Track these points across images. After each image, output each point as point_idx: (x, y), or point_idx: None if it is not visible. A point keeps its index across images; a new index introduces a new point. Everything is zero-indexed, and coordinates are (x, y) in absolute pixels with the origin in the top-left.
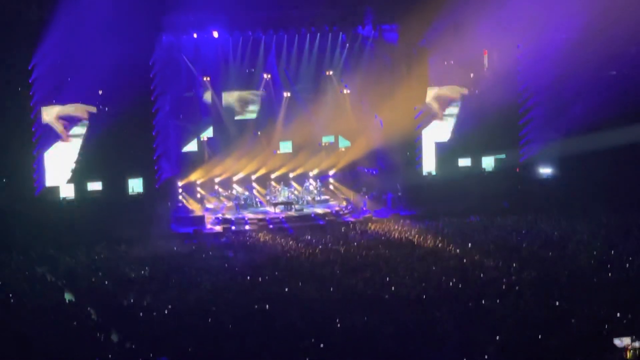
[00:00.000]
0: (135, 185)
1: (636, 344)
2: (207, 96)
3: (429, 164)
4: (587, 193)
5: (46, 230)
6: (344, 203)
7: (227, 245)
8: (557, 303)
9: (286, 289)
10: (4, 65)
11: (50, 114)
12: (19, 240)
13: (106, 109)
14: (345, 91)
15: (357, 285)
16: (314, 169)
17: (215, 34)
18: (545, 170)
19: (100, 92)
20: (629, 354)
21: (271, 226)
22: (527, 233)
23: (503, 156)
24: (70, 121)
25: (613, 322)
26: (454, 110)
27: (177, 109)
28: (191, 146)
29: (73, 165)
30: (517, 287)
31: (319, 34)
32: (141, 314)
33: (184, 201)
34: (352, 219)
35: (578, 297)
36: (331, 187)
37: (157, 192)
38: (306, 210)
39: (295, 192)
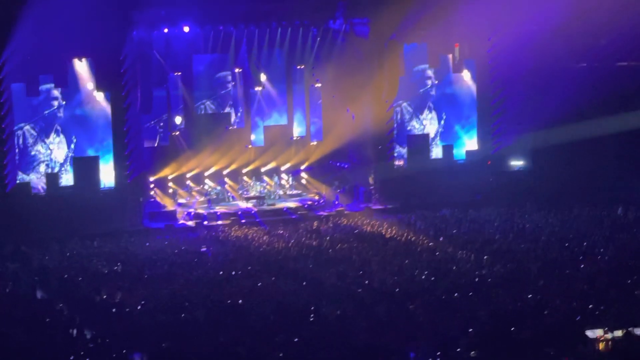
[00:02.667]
0: (107, 181)
1: (608, 335)
2: (178, 91)
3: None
4: (560, 185)
5: (18, 226)
6: (317, 197)
7: (200, 240)
8: (530, 295)
9: (259, 284)
10: None
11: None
12: None
13: None
14: (316, 85)
15: (330, 278)
16: (286, 163)
17: (186, 29)
18: (518, 162)
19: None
20: (601, 345)
21: (243, 220)
22: (499, 225)
23: (475, 148)
24: None
25: (585, 314)
26: None
27: (147, 104)
28: (163, 141)
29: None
30: (489, 280)
31: (290, 28)
32: (114, 309)
33: (156, 196)
34: (324, 213)
35: (550, 289)
36: (303, 181)
37: (129, 187)
38: (278, 205)
39: (268, 187)
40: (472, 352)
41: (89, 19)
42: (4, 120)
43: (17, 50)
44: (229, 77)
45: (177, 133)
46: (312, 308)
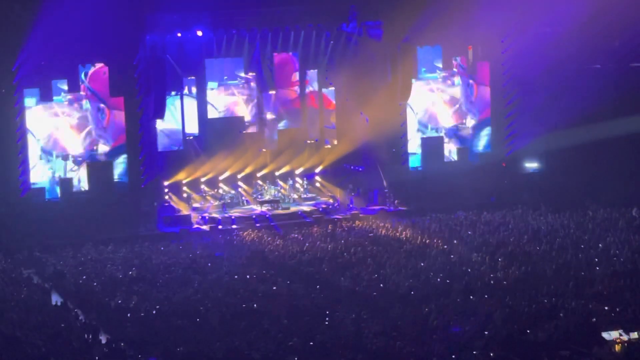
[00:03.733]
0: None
1: (624, 337)
2: (192, 95)
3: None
4: (574, 187)
5: (32, 231)
6: (331, 200)
7: (214, 244)
8: (545, 297)
9: (274, 288)
10: None
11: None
12: (5, 243)
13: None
14: (330, 88)
15: (345, 282)
16: (300, 166)
17: (200, 33)
18: (532, 165)
19: (83, 93)
20: (617, 347)
21: (258, 224)
22: (514, 228)
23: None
24: None
25: (601, 316)
26: None
27: (161, 108)
28: (177, 145)
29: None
30: (504, 282)
31: (303, 32)
32: (129, 314)
33: (171, 201)
34: (339, 216)
35: (566, 291)
36: (317, 184)
37: (143, 192)
38: (293, 208)
39: (282, 191)
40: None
41: (103, 24)
42: (18, 126)
43: (31, 56)
44: (243, 81)
45: (192, 137)
46: (327, 312)
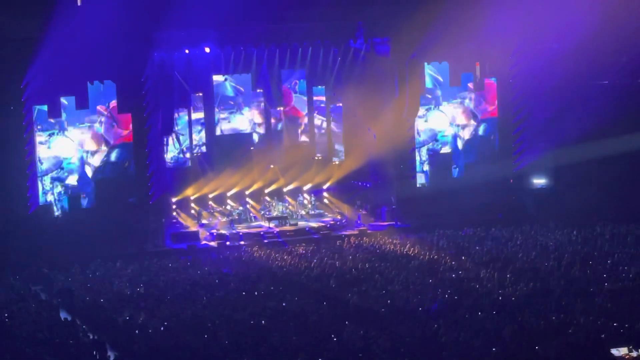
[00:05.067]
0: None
1: (633, 354)
2: (199, 111)
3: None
4: (582, 203)
5: (41, 248)
6: (339, 217)
7: (222, 260)
8: (554, 314)
9: (282, 304)
10: None
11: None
12: (13, 259)
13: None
14: (338, 104)
15: (353, 298)
16: (308, 183)
17: (207, 50)
18: (540, 181)
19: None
20: None
21: (266, 241)
22: (522, 244)
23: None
24: None
25: (610, 332)
26: None
27: (169, 124)
28: (184, 162)
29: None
30: (513, 299)
31: (311, 48)
32: (137, 331)
33: (178, 217)
34: (346, 233)
35: (574, 307)
36: (325, 201)
37: (151, 209)
38: (301, 225)
39: (290, 207)
40: None
41: (111, 41)
42: (26, 142)
43: (40, 73)
44: (250, 97)
45: (199, 154)
46: (335, 328)
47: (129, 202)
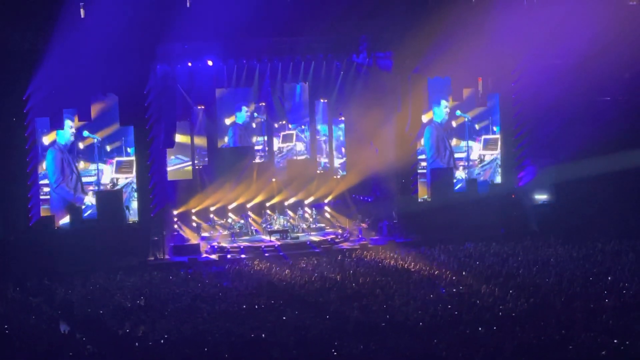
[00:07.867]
0: (131, 214)
1: None
2: (201, 124)
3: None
4: (584, 219)
5: (41, 260)
6: (340, 231)
7: (223, 273)
8: (554, 330)
9: (283, 317)
10: None
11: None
12: (14, 271)
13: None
14: (340, 118)
15: (353, 313)
16: (310, 196)
17: (210, 63)
18: (542, 196)
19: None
20: None
21: (267, 254)
22: (523, 259)
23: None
24: None
25: (610, 349)
26: None
27: (171, 138)
28: (186, 174)
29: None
30: (513, 314)
31: (313, 62)
32: (137, 343)
33: (180, 230)
34: (347, 247)
35: (575, 323)
36: (327, 214)
37: (152, 221)
38: (302, 238)
39: (291, 220)
40: None
41: (113, 53)
42: (28, 154)
43: (42, 85)
44: (253, 111)
45: (201, 166)
46: (336, 342)
47: (131, 214)
